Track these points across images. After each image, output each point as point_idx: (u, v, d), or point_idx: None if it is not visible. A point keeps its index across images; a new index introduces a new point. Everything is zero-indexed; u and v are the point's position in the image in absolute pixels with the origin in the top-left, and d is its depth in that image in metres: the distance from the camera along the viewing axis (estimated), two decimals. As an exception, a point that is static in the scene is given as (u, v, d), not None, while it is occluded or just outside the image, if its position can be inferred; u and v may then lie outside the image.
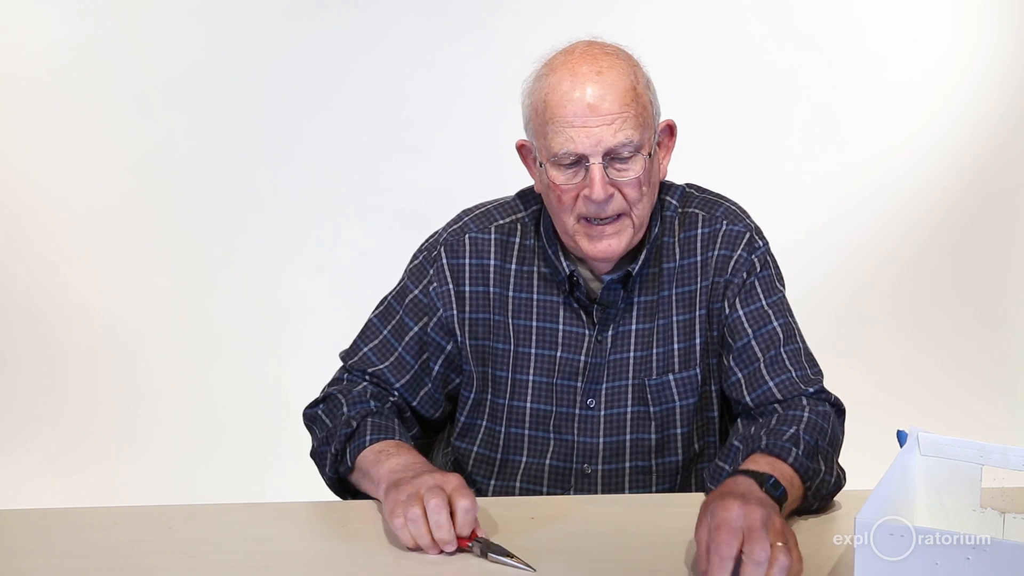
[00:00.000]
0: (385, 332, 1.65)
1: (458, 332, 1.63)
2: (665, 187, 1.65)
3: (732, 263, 1.59)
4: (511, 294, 1.63)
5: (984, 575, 1.04)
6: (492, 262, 1.63)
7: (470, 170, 3.63)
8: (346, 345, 1.68)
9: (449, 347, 1.64)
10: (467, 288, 1.63)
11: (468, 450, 1.67)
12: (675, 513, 1.42)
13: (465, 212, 1.69)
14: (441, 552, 1.31)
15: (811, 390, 1.53)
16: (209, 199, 3.89)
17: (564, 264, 1.59)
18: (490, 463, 1.66)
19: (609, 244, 1.53)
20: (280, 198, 3.91)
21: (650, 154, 1.50)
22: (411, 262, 1.68)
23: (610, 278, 1.58)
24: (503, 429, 1.64)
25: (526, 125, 1.56)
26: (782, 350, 1.56)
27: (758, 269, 1.60)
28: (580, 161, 1.48)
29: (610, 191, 1.48)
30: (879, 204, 4.05)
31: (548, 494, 1.64)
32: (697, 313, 1.60)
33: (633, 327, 1.61)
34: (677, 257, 1.61)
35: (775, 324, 1.57)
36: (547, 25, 3.31)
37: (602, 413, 1.61)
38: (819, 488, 1.41)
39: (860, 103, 4.02)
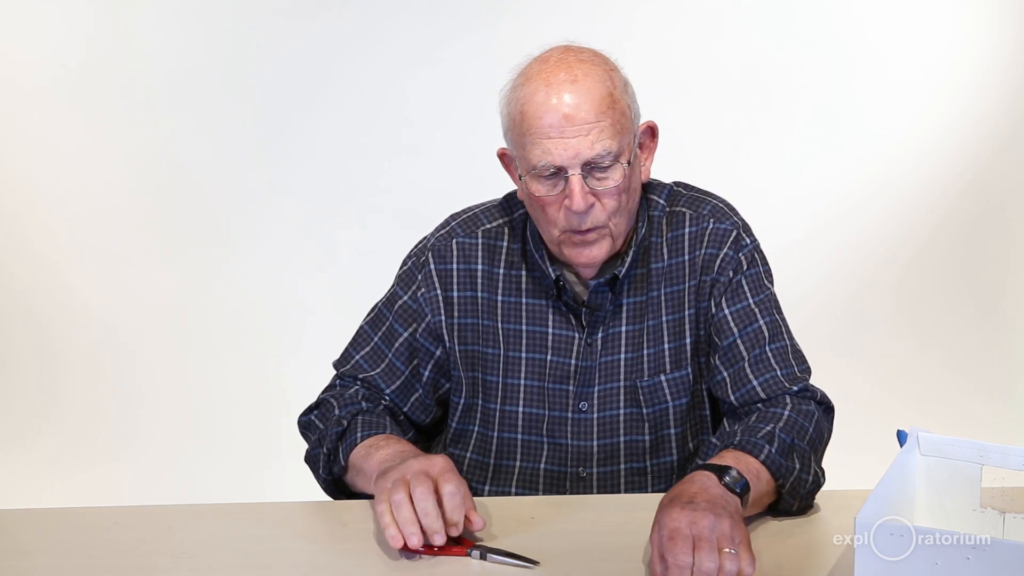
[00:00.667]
0: (376, 339, 1.65)
1: (446, 337, 1.63)
2: (652, 186, 1.64)
3: (719, 261, 1.59)
4: (500, 298, 1.63)
5: (984, 575, 1.04)
6: (480, 267, 1.63)
7: (470, 170, 3.62)
8: (342, 349, 1.69)
9: (438, 352, 1.64)
10: (455, 293, 1.63)
11: (461, 456, 1.67)
12: (675, 513, 1.41)
13: (452, 217, 1.69)
14: (431, 551, 1.29)
15: (795, 388, 1.53)
16: (209, 199, 3.89)
17: (550, 268, 1.59)
18: (484, 468, 1.66)
19: (591, 252, 1.53)
20: (280, 198, 3.91)
21: (629, 162, 1.49)
22: (400, 268, 1.68)
23: (596, 282, 1.58)
24: (495, 434, 1.64)
25: (505, 135, 1.54)
26: (767, 348, 1.56)
27: (745, 267, 1.59)
28: (559, 172, 1.47)
29: (590, 200, 1.48)
30: (879, 204, 4.05)
31: (545, 497, 1.64)
32: (686, 312, 1.60)
33: (623, 329, 1.61)
34: (665, 257, 1.61)
35: (761, 323, 1.57)
36: (547, 25, 3.31)
37: (595, 416, 1.61)
38: (795, 487, 1.41)
39: (860, 103, 4.02)
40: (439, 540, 1.28)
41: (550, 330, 1.62)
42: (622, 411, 1.61)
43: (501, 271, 1.63)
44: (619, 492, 1.62)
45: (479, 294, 1.63)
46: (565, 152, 1.45)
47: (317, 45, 3.85)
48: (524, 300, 1.62)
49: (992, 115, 4.02)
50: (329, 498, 1.59)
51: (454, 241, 1.64)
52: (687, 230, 1.61)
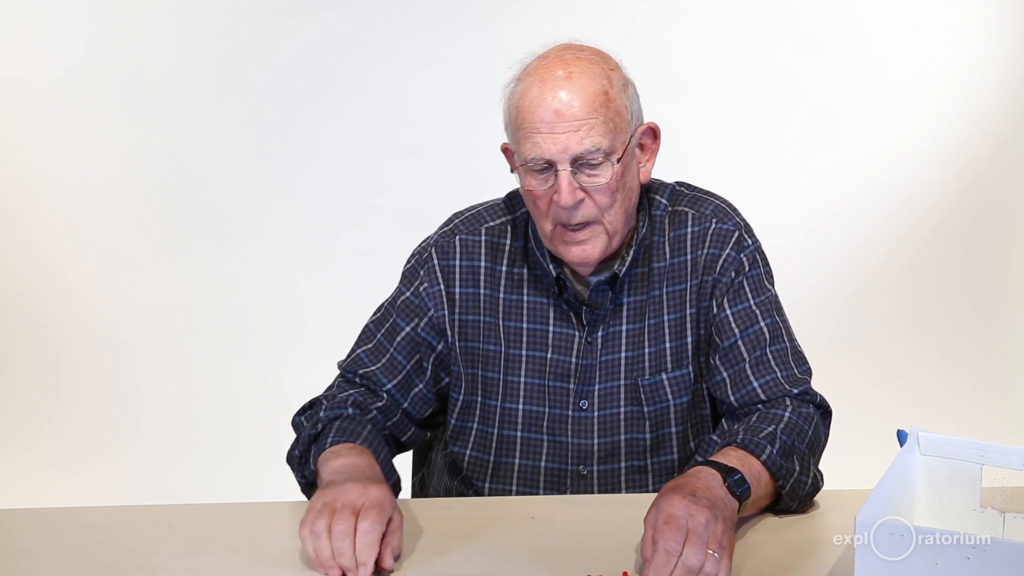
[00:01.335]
0: (379, 335, 1.65)
1: (448, 332, 1.63)
2: (655, 186, 1.65)
3: (721, 262, 1.59)
4: (501, 296, 1.63)
5: (984, 575, 1.04)
6: (483, 264, 1.64)
7: (470, 170, 3.62)
8: (347, 346, 1.69)
9: (440, 347, 1.64)
10: (457, 289, 1.63)
11: (462, 453, 1.67)
12: (675, 513, 1.41)
13: (456, 215, 1.69)
14: None
15: (796, 391, 1.54)
16: (209, 199, 3.89)
17: (551, 266, 1.59)
18: (484, 465, 1.66)
19: (583, 250, 1.53)
20: (280, 198, 3.91)
21: (620, 160, 1.49)
22: (404, 266, 1.69)
23: (596, 280, 1.59)
24: (495, 431, 1.64)
25: (505, 129, 1.56)
26: (768, 350, 1.56)
27: (747, 268, 1.60)
28: (550, 167, 1.48)
29: (579, 197, 1.48)
30: (878, 204, 4.05)
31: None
32: (687, 312, 1.60)
33: (623, 327, 1.61)
34: (667, 256, 1.61)
35: (762, 324, 1.58)
36: (547, 25, 3.30)
37: (596, 414, 1.61)
38: (795, 488, 1.43)
39: (859, 103, 4.02)
40: (363, 574, 1.25)
41: (551, 328, 1.62)
42: (623, 409, 1.61)
43: (503, 268, 1.63)
44: (620, 490, 1.62)
45: (481, 291, 1.63)
46: (554, 147, 1.46)
47: (317, 45, 3.85)
48: (525, 298, 1.63)
49: (991, 115, 4.02)
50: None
51: (457, 238, 1.65)
52: (689, 229, 1.61)
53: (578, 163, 1.47)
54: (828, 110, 4.01)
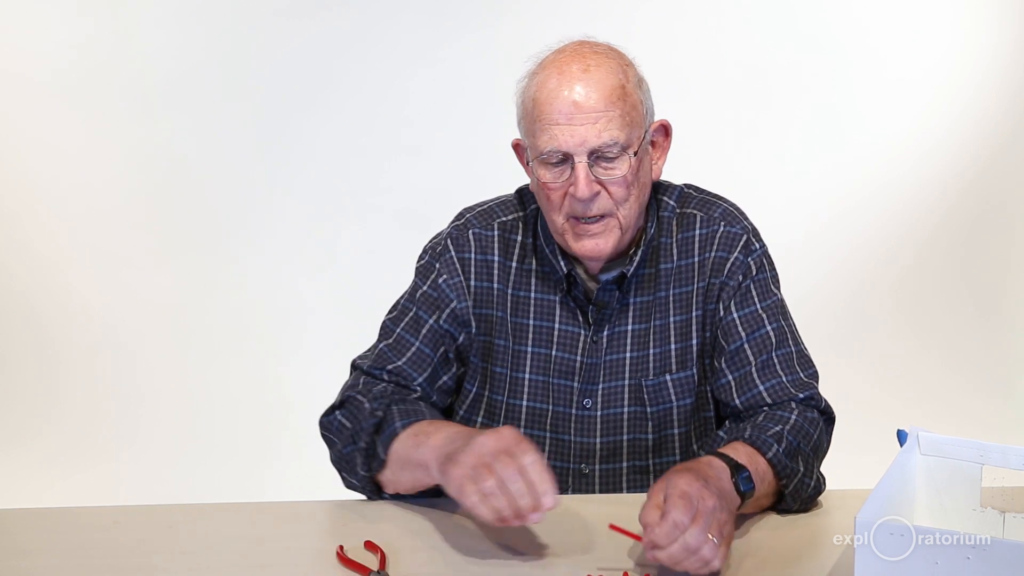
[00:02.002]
0: (399, 330, 1.64)
1: (472, 323, 1.63)
2: (663, 187, 1.65)
3: (728, 265, 1.59)
4: (510, 291, 1.63)
5: (984, 575, 1.04)
6: (496, 258, 1.64)
7: (470, 170, 3.63)
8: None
9: (461, 338, 1.63)
10: (473, 282, 1.63)
11: None
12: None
13: (467, 210, 1.69)
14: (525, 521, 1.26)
15: (801, 396, 1.54)
16: (209, 199, 3.89)
17: (561, 263, 1.59)
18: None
19: (596, 243, 1.53)
20: (280, 198, 3.91)
21: (636, 153, 1.49)
22: (418, 263, 1.68)
23: (605, 279, 1.59)
24: (499, 426, 1.63)
25: (518, 123, 1.56)
26: (774, 354, 1.56)
27: (754, 272, 1.60)
28: (566, 159, 1.48)
29: (595, 189, 1.49)
30: (879, 204, 4.05)
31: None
32: (693, 314, 1.60)
33: (629, 328, 1.61)
34: (675, 258, 1.61)
35: (768, 328, 1.58)
36: (547, 25, 3.30)
37: (599, 413, 1.61)
38: (798, 489, 1.43)
39: (860, 103, 4.02)
40: (536, 520, 1.25)
41: (556, 325, 1.62)
42: (626, 409, 1.61)
43: (514, 264, 1.64)
44: (621, 490, 1.62)
45: (494, 285, 1.63)
46: (572, 139, 1.46)
47: (317, 45, 3.85)
48: (533, 295, 1.63)
49: (992, 115, 4.02)
50: (329, 497, 1.56)
51: (471, 232, 1.65)
52: (697, 232, 1.61)
53: (595, 156, 1.47)
54: (828, 110, 4.01)
